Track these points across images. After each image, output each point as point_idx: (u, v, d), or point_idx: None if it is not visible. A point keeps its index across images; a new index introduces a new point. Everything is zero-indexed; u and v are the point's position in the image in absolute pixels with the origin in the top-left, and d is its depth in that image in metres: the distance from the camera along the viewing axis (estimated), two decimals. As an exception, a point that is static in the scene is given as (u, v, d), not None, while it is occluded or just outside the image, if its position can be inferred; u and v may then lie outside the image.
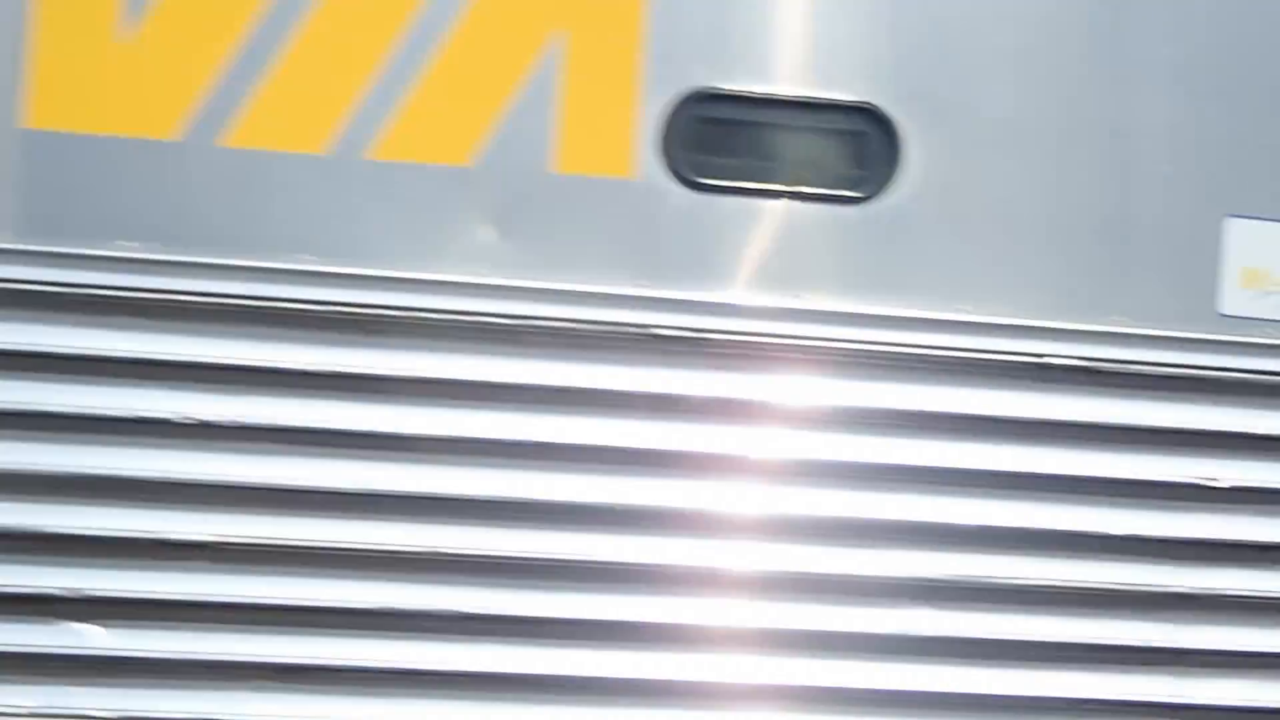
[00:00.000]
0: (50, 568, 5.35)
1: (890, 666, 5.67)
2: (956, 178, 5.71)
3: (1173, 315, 5.82)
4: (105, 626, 5.38)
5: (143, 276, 5.31)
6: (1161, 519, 5.81)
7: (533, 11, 5.46)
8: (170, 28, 5.32)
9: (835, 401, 5.64)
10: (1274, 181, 5.89)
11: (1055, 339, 5.75)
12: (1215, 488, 5.83)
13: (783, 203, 5.62)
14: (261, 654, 5.42)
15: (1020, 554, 5.73)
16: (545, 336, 5.49)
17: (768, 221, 5.61)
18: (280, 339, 5.37)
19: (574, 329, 5.49)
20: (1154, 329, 5.80)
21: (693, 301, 5.55)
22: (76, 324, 5.32)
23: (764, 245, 5.61)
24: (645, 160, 5.54)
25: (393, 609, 5.47)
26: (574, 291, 5.49)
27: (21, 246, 5.28)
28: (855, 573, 5.66)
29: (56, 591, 5.35)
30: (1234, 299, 5.88)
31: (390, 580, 5.44)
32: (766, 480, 5.62)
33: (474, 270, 5.45)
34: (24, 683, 5.34)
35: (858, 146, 5.70)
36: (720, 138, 5.64)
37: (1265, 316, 5.89)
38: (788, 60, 5.62)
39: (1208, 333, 5.83)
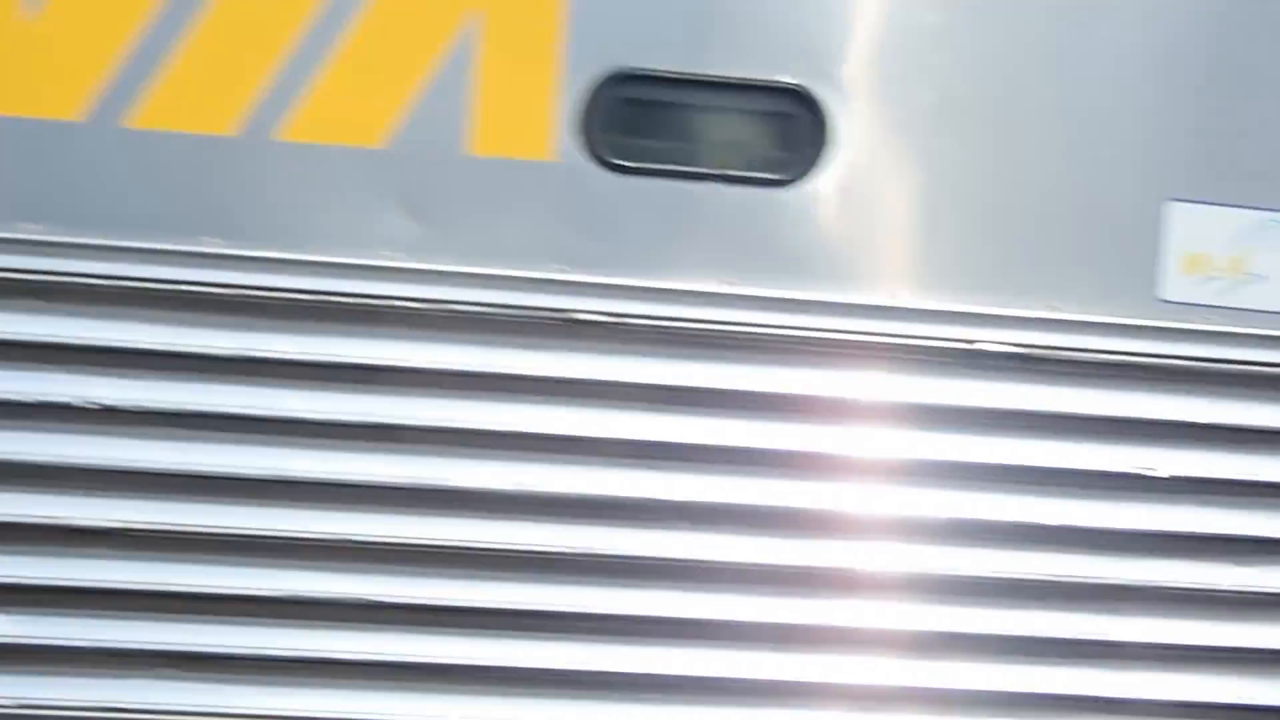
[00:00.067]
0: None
1: (820, 659, 5.59)
2: (886, 160, 5.56)
3: (1111, 301, 5.68)
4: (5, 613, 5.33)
5: (45, 259, 5.21)
6: (1098, 509, 5.68)
7: (449, -12, 5.35)
8: (74, 6, 5.18)
9: (758, 388, 5.51)
10: (1217, 165, 5.73)
11: (988, 325, 5.60)
12: (1153, 477, 5.69)
13: (707, 185, 5.47)
14: (167, 642, 5.35)
15: (949, 545, 5.61)
16: (460, 321, 5.36)
17: (691, 205, 5.47)
18: (186, 322, 5.25)
19: (490, 314, 5.37)
20: (1091, 315, 5.65)
21: (613, 286, 5.42)
22: (-23, 308, 5.25)
23: (687, 229, 5.47)
24: (564, 142, 5.39)
25: (288, 596, 5.39)
26: (489, 275, 5.36)
27: (-83, 229, 5.21)
28: (786, 564, 5.55)
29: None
30: (1175, 284, 5.73)
31: (282, 567, 5.36)
32: (689, 467, 5.51)
33: (386, 254, 5.32)
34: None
35: (784, 128, 5.54)
36: (643, 119, 5.49)
37: (1206, 302, 5.74)
38: (713, 40, 5.44)
39: (1147, 319, 5.69)
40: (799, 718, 5.63)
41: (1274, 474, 5.75)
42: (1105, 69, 5.62)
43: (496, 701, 5.53)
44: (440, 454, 5.39)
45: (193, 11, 5.21)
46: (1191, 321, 5.71)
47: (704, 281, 5.47)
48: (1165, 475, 5.69)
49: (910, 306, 5.56)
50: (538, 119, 5.39)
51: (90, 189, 5.22)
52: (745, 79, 5.48)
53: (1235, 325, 5.73)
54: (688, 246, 5.47)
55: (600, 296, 5.42)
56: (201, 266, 5.24)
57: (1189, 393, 5.72)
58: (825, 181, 5.53)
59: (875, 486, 5.58)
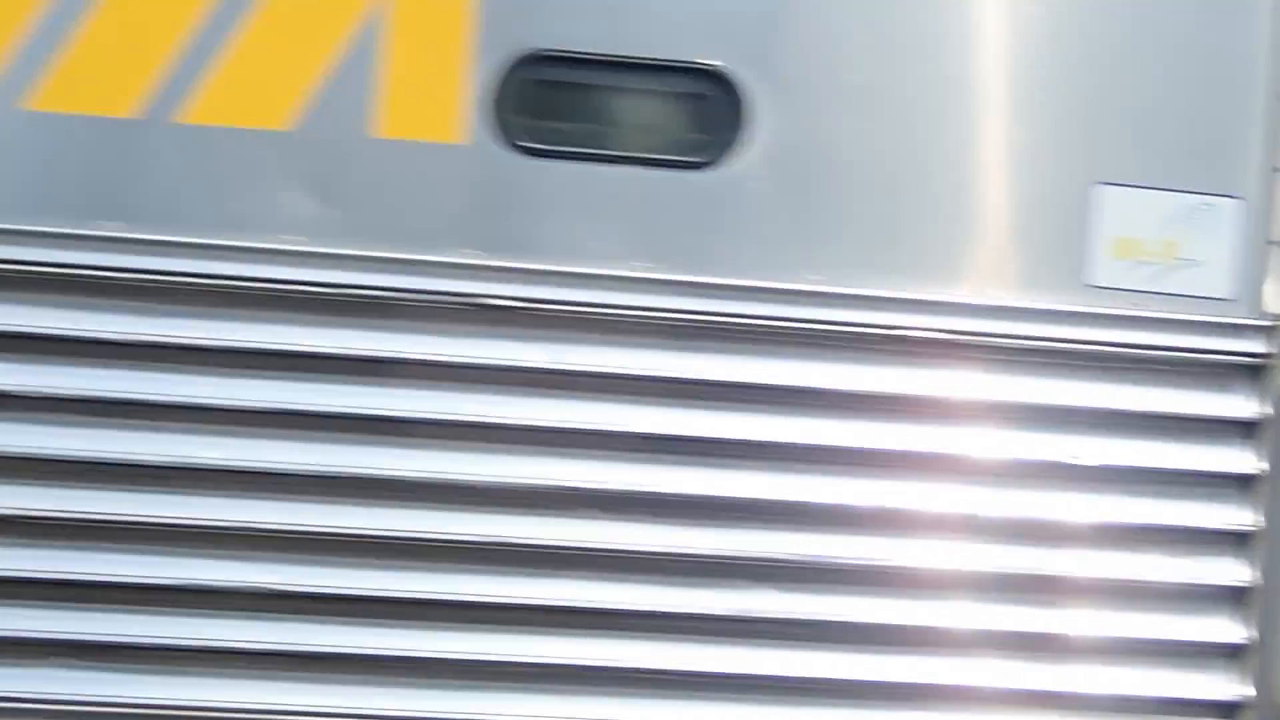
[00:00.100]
0: None
1: (711, 649, 5.48)
2: (806, 142, 5.45)
3: (1038, 286, 5.57)
4: None
5: (-56, 244, 5.16)
6: (1022, 499, 5.57)
7: (356, -32, 5.25)
8: (-31, -13, 5.13)
9: (676, 374, 5.42)
10: (1147, 147, 5.61)
11: (911, 310, 5.50)
12: (1080, 466, 5.58)
13: (621, 169, 5.38)
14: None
15: (869, 534, 5.51)
16: (367, 307, 5.28)
17: (605, 188, 5.37)
18: (81, 307, 5.17)
19: (396, 299, 5.28)
20: (1018, 300, 5.55)
21: (523, 271, 5.34)
22: None
23: (601, 213, 5.38)
24: (474, 125, 5.30)
25: (215, 586, 5.34)
26: (397, 260, 5.27)
27: None
28: (686, 552, 5.45)
29: None
30: (1103, 269, 5.61)
31: (199, 557, 5.31)
32: (601, 454, 5.41)
33: (293, 238, 5.24)
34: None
35: (701, 111, 5.44)
36: (555, 101, 5.39)
37: (1136, 288, 5.62)
38: (627, 21, 5.34)
39: (1074, 304, 5.58)
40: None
41: (1206, 463, 5.63)
42: (1033, 51, 5.50)
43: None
44: (344, 441, 5.31)
45: (93, -8, 5.15)
46: (1121, 307, 5.59)
47: (618, 266, 5.37)
48: (1093, 464, 5.58)
49: (830, 291, 5.46)
50: (447, 101, 5.30)
51: (-11, 173, 5.17)
52: (661, 60, 5.38)
53: (1167, 311, 5.61)
54: (601, 231, 5.38)
55: (510, 281, 5.32)
56: (100, 250, 5.16)
57: (1119, 380, 5.60)
58: (744, 164, 5.42)
59: (799, 476, 5.48)
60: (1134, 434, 5.61)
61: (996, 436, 5.56)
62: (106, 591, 5.24)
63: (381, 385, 5.31)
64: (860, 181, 5.47)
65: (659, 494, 5.41)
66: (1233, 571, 5.65)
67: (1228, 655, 5.65)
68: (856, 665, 5.52)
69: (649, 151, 5.41)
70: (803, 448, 5.46)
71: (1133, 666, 5.62)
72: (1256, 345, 5.64)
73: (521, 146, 5.32)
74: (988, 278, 5.53)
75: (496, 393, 5.34)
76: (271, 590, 5.30)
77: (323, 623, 5.33)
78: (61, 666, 5.25)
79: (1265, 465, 5.65)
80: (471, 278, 5.30)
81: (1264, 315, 5.64)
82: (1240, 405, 5.64)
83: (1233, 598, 5.65)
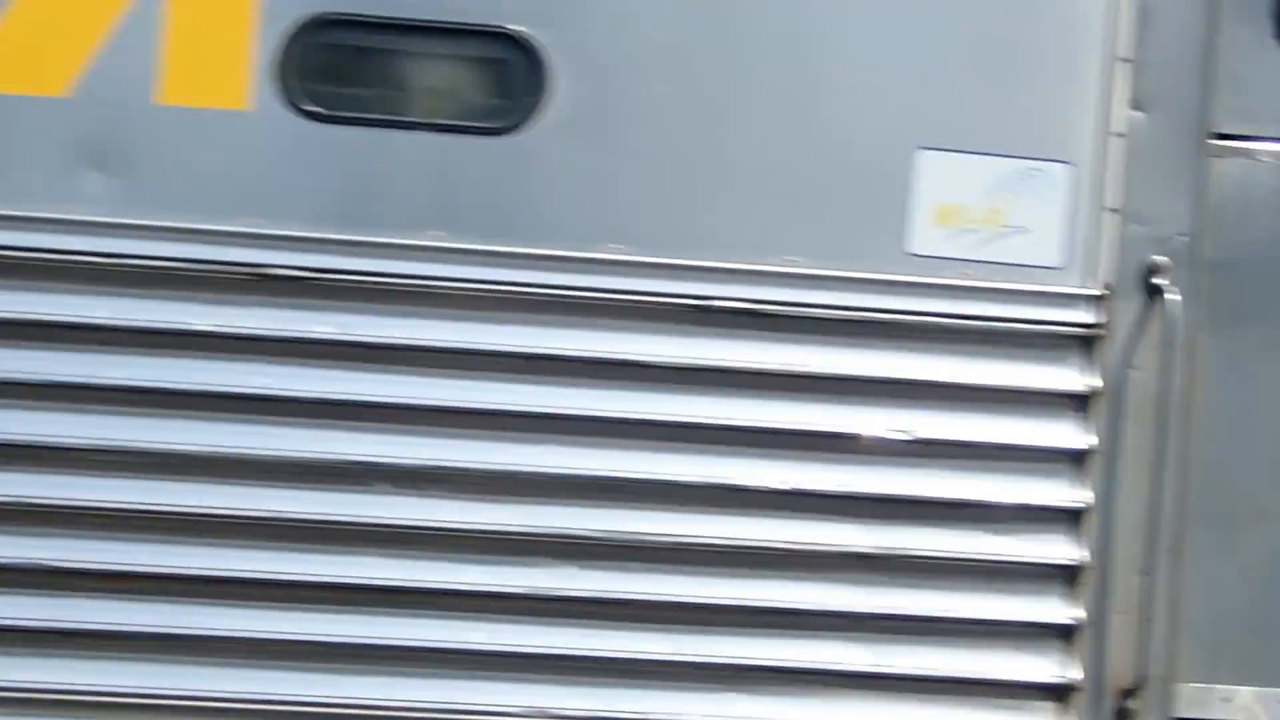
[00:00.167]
0: None
1: (533, 629, 5.31)
2: (611, 107, 5.28)
3: (855, 255, 5.38)
4: None
5: None
6: (843, 474, 5.37)
7: (136, -70, 5.13)
8: None
9: (472, 345, 5.25)
10: (972, 111, 5.41)
11: (719, 280, 5.32)
12: (903, 440, 5.39)
13: (416, 135, 5.24)
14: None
15: (683, 511, 5.33)
16: (148, 276, 5.15)
17: (399, 155, 5.23)
18: None
19: (178, 269, 5.15)
20: (834, 269, 5.36)
21: (310, 240, 5.19)
22: None
23: (393, 180, 5.23)
24: (260, 91, 5.16)
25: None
26: (178, 229, 5.14)
27: None
28: (479, 527, 5.29)
29: None
30: (925, 237, 5.42)
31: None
32: (371, 424, 5.25)
33: (72, 207, 5.13)
34: None
35: (499, 75, 5.29)
36: (344, 66, 5.25)
37: (959, 256, 5.42)
38: (420, -17, 5.23)
39: (895, 273, 5.39)
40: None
41: (1035, 438, 5.43)
42: (852, 13, 5.31)
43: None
44: (130, 414, 5.20)
45: None
46: (944, 276, 5.40)
47: (410, 235, 5.22)
48: (914, 438, 5.39)
49: (634, 261, 5.29)
50: (232, 66, 5.16)
51: None
52: (457, 23, 5.23)
53: (993, 280, 5.41)
54: (393, 198, 5.23)
55: (296, 251, 5.19)
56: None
57: (944, 352, 5.40)
58: (544, 130, 5.26)
59: (595, 449, 5.30)
60: (961, 407, 5.41)
61: (813, 410, 5.37)
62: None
63: (162, 356, 5.18)
64: (668, 148, 5.31)
65: (450, 468, 5.26)
66: (1064, 550, 5.44)
67: (1058, 636, 5.44)
68: (681, 645, 5.35)
69: (445, 117, 5.27)
70: (608, 420, 5.29)
71: (960, 648, 5.42)
72: (1087, 315, 5.43)
73: (308, 112, 5.19)
74: (803, 246, 5.35)
75: (283, 365, 5.21)
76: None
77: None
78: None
79: (1097, 440, 5.45)
80: (256, 247, 5.17)
81: (1096, 284, 5.44)
82: (1071, 378, 5.44)
83: (1064, 577, 5.45)
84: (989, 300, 5.40)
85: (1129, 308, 5.47)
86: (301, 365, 5.22)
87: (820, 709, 5.38)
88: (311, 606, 5.24)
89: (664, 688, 5.34)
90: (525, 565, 5.29)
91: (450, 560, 5.27)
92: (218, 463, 5.20)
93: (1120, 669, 5.47)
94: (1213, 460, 5.53)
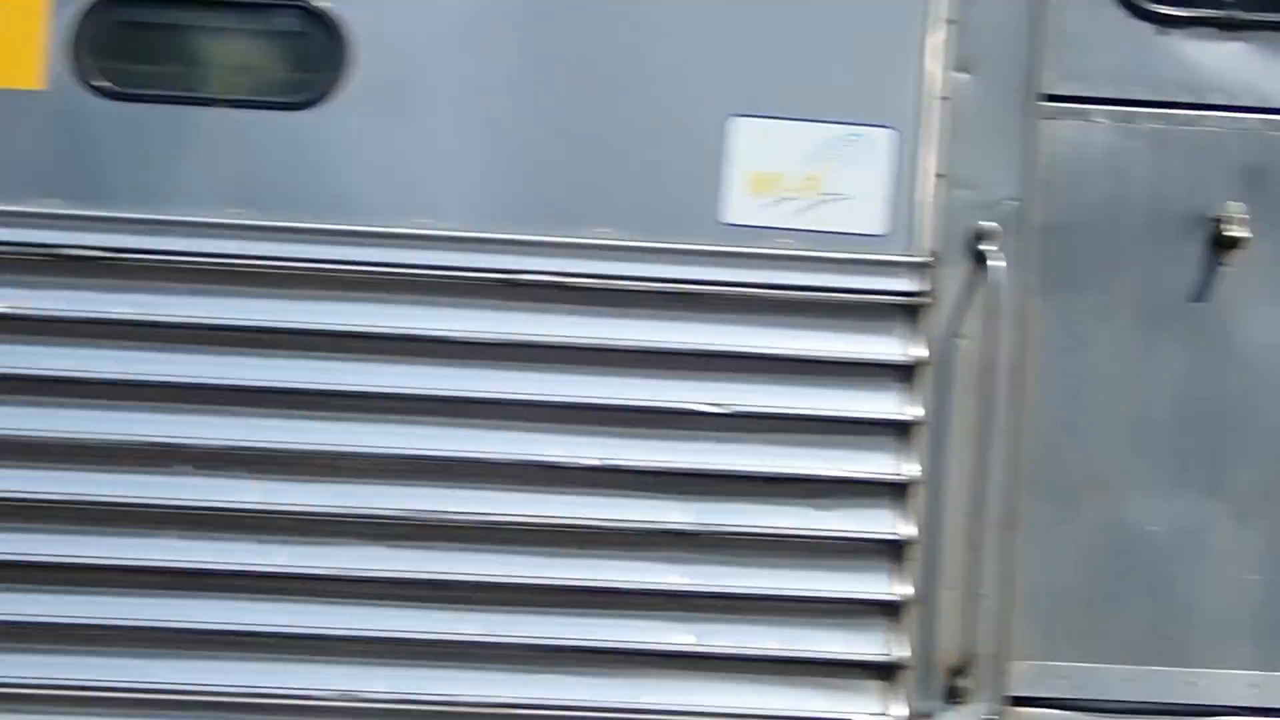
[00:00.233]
0: None
1: (340, 611, 5.22)
2: (413, 80, 5.19)
3: (667, 225, 5.26)
4: None
5: None
6: (657, 449, 5.26)
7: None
8: None
9: (269, 323, 5.18)
10: (786, 76, 5.28)
11: (527, 253, 5.22)
12: (716, 414, 5.28)
13: (215, 111, 5.17)
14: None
15: (495, 489, 5.23)
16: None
17: (197, 132, 5.15)
18: None
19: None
20: (645, 240, 5.25)
21: (110, 220, 5.13)
22: None
23: (193, 157, 5.16)
24: (54, 69, 5.11)
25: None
26: (-28, 210, 5.13)
27: None
28: (285, 509, 5.21)
29: None
30: (740, 206, 5.30)
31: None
32: (172, 405, 5.18)
33: None
34: None
35: (298, 49, 5.21)
36: (141, 43, 5.19)
37: (776, 225, 5.30)
38: (212, -42, 5.17)
39: (709, 244, 5.27)
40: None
41: (859, 410, 5.30)
42: None
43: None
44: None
45: None
46: (761, 246, 5.28)
47: (211, 213, 5.16)
48: (729, 411, 5.27)
49: (440, 235, 5.20)
50: (24, 44, 5.10)
51: None
52: (253, -2, 5.19)
53: (812, 249, 5.29)
54: (194, 176, 5.16)
55: (94, 231, 5.13)
56: None
57: (760, 323, 5.28)
58: (345, 105, 5.18)
59: (404, 426, 5.22)
60: (782, 380, 5.29)
61: (627, 384, 5.26)
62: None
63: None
64: (473, 120, 5.22)
65: (256, 449, 5.19)
66: (890, 524, 5.31)
67: (885, 613, 5.31)
68: (494, 626, 5.25)
69: (244, 93, 5.20)
70: (416, 398, 5.21)
71: (783, 626, 5.30)
72: (911, 283, 5.30)
73: (103, 90, 5.13)
74: (614, 218, 5.24)
75: (81, 346, 5.15)
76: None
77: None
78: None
79: (923, 411, 5.32)
80: (53, 228, 5.12)
81: (920, 252, 5.30)
82: (895, 348, 5.30)
83: (890, 552, 5.32)
84: (808, 270, 5.28)
85: (956, 275, 5.34)
86: (101, 347, 5.15)
87: (639, 690, 5.28)
88: (116, 590, 5.19)
89: (476, 670, 5.25)
90: (332, 546, 5.21)
91: (257, 542, 5.20)
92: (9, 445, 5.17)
93: (950, 646, 5.34)
94: (1047, 430, 5.39)
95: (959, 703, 5.35)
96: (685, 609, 5.29)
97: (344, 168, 5.20)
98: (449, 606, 5.24)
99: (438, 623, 5.24)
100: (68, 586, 5.18)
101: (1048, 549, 5.40)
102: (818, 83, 5.28)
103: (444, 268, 5.21)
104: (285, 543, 5.21)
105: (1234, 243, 5.39)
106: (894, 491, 5.31)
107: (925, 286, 5.29)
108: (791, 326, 5.29)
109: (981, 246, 5.31)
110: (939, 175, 5.30)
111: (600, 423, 5.26)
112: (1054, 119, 5.39)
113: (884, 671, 5.32)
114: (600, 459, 5.25)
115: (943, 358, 5.33)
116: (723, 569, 5.30)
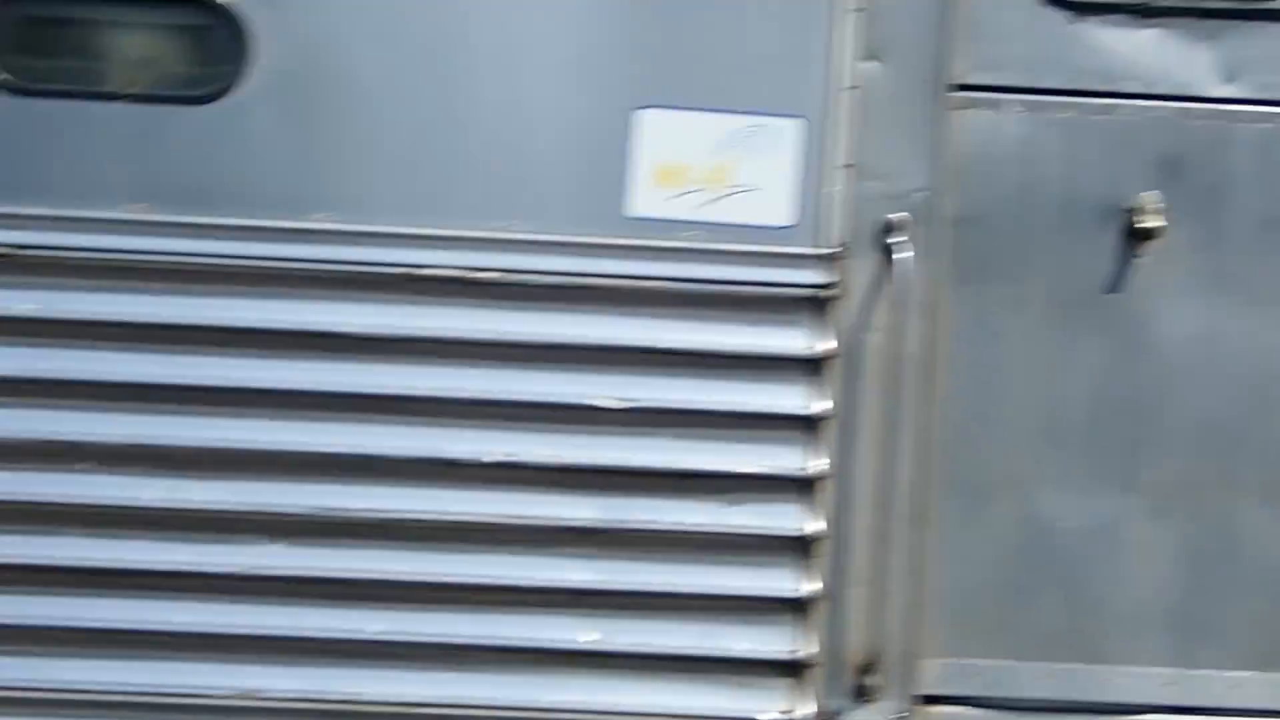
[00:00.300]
0: None
1: (240, 609, 5.20)
2: (316, 74, 5.15)
3: (572, 219, 5.21)
4: None
5: None
6: (561, 445, 5.21)
7: None
8: None
9: (171, 319, 5.14)
10: (694, 66, 5.21)
11: (430, 248, 5.18)
12: (622, 409, 5.23)
13: (115, 106, 5.13)
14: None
15: (396, 485, 5.20)
16: None
17: (99, 127, 5.11)
18: None
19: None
20: (549, 235, 5.20)
21: (9, 216, 5.09)
22: None
23: (94, 153, 5.12)
24: (-48, 64, 5.12)
25: None
26: None
27: None
28: (184, 506, 5.19)
29: None
30: (645, 199, 5.24)
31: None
32: (73, 402, 5.15)
33: None
34: None
35: (200, 43, 5.17)
36: (40, 38, 5.16)
37: (682, 217, 5.25)
38: (110, -48, 5.13)
39: (614, 237, 5.22)
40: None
41: (765, 403, 5.24)
42: None
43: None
44: None
45: None
46: (666, 239, 5.22)
47: (112, 209, 5.13)
48: (633, 406, 5.21)
49: (342, 230, 5.16)
50: (-79, 41, 5.12)
51: None
52: (152, -8, 5.15)
53: (719, 241, 5.23)
54: (93, 172, 5.13)
55: (-7, 227, 5.13)
56: None
57: (666, 316, 5.22)
58: (247, 99, 5.14)
59: (306, 423, 5.18)
60: (688, 374, 5.24)
61: (532, 379, 5.21)
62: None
63: None
64: (376, 115, 5.17)
65: (155, 445, 5.17)
66: (797, 520, 5.25)
67: (792, 610, 5.26)
68: (396, 624, 5.22)
69: (145, 88, 5.16)
70: (319, 394, 5.18)
71: (689, 623, 5.25)
72: (819, 276, 5.24)
73: (3, 85, 5.10)
74: (518, 211, 5.20)
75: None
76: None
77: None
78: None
79: (831, 405, 5.26)
80: (-50, 224, 5.11)
81: (827, 243, 5.24)
82: (803, 341, 5.24)
83: (798, 548, 5.26)
84: (714, 262, 5.22)
85: (865, 267, 5.27)
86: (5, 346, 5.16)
87: (544, 688, 5.24)
88: (14, 589, 5.17)
89: (378, 668, 5.22)
90: (231, 543, 5.19)
91: (154, 540, 5.18)
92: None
93: (859, 644, 5.29)
94: (958, 424, 5.33)
95: (867, 701, 5.29)
96: (590, 606, 5.25)
97: (247, 163, 5.17)
98: (353, 605, 5.21)
99: (342, 621, 5.21)
100: None
101: (960, 545, 5.33)
102: (724, 73, 5.22)
103: (347, 262, 5.17)
104: (187, 540, 5.18)
105: (1148, 233, 5.31)
106: (801, 487, 5.25)
107: (833, 279, 5.23)
108: (698, 320, 5.23)
109: (890, 238, 5.25)
110: (847, 166, 5.24)
111: (504, 418, 5.21)
112: (965, 109, 5.32)
113: (791, 669, 5.26)
114: (504, 455, 5.21)
115: (851, 351, 5.27)
116: (628, 566, 5.25)
